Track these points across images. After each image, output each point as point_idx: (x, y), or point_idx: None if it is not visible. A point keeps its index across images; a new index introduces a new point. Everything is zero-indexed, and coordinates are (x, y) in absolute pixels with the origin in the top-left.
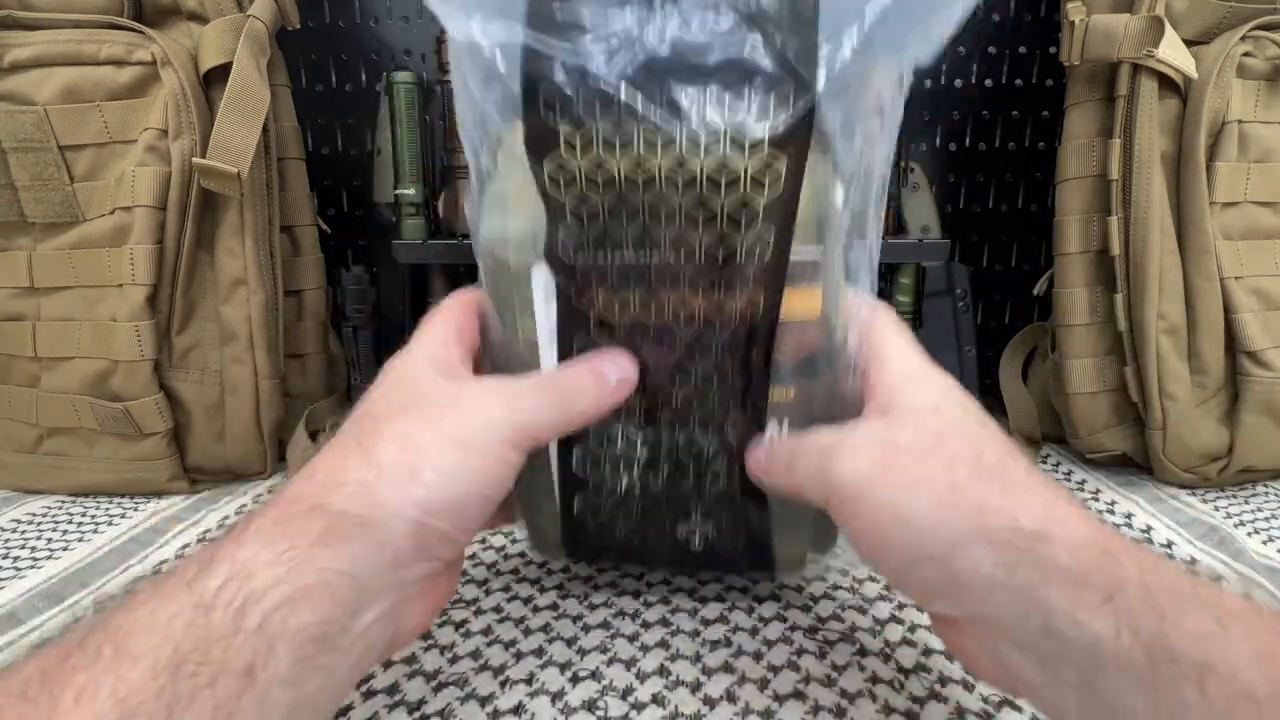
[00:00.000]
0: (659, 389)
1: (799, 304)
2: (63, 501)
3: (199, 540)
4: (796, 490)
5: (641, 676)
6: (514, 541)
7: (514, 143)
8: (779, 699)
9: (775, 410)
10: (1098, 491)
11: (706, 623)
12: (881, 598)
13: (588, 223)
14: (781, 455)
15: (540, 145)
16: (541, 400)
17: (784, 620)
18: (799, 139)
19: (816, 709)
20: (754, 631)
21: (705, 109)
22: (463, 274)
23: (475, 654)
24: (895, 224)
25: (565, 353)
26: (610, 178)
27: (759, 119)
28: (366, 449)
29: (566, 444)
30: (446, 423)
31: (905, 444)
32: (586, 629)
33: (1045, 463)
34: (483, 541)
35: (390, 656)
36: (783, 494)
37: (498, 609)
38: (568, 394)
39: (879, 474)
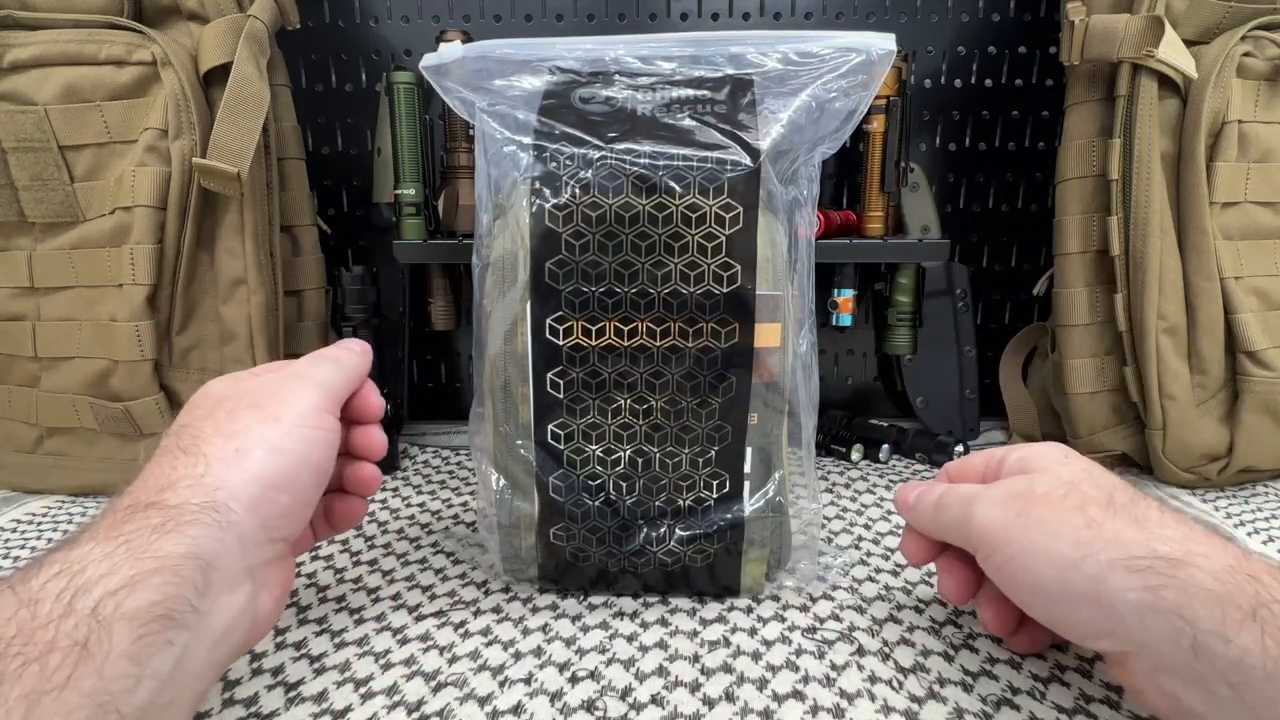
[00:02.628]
0: (637, 408)
1: (764, 336)
2: (63, 501)
3: None
4: (941, 534)
5: (640, 677)
6: None
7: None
8: (778, 699)
9: (747, 433)
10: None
11: (705, 623)
12: (880, 598)
13: (580, 253)
14: (929, 501)
15: (541, 188)
16: (323, 366)
17: (782, 620)
18: (750, 189)
19: (815, 709)
20: (752, 632)
21: (679, 164)
22: (462, 273)
23: (474, 654)
24: (895, 224)
25: (539, 378)
26: (603, 214)
27: (720, 173)
28: (189, 450)
29: (546, 470)
30: (259, 408)
31: (1041, 493)
32: (585, 629)
33: None
34: (481, 546)
35: (251, 648)
36: (930, 535)
37: (497, 609)
38: (342, 361)
39: (1014, 519)
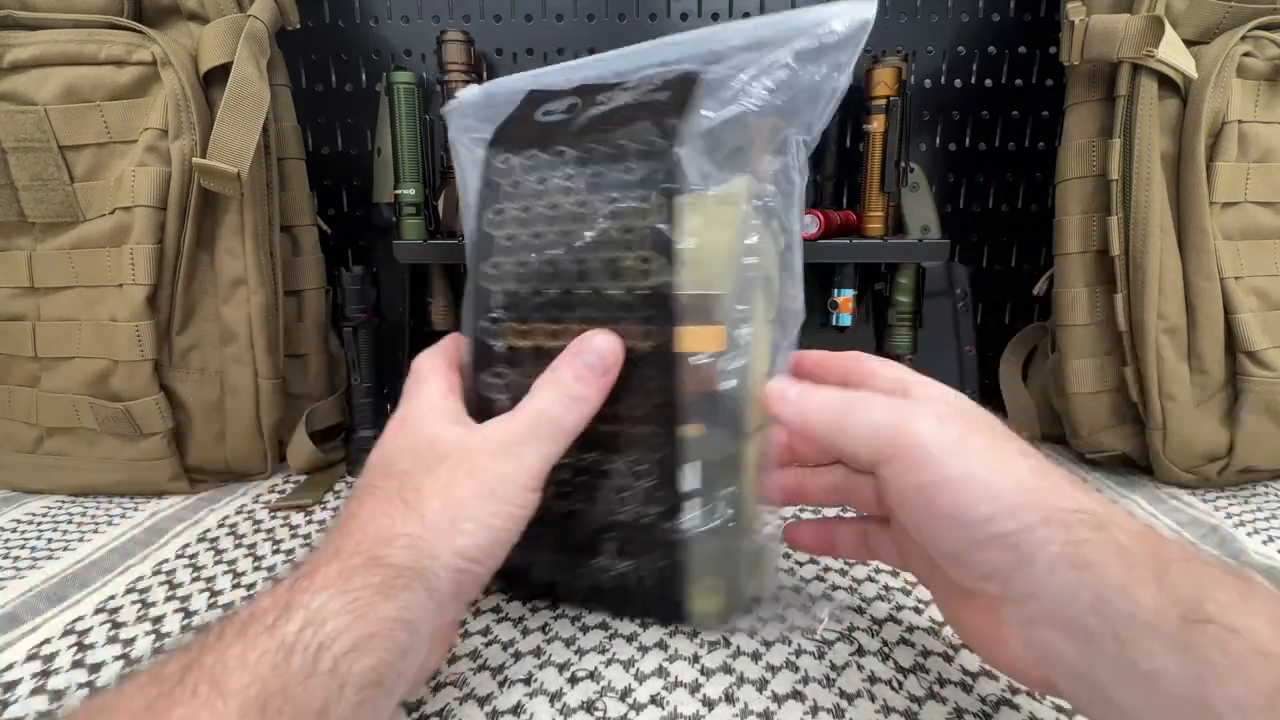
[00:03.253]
0: None
1: (694, 340)
2: (63, 501)
3: (199, 540)
4: (836, 438)
5: (640, 677)
6: None
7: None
8: (777, 699)
9: (696, 445)
10: (1098, 491)
11: None
12: (880, 598)
13: (511, 254)
14: (824, 399)
15: (486, 194)
16: (540, 438)
17: (782, 620)
18: (669, 176)
19: (815, 709)
20: (752, 632)
21: (603, 164)
22: (462, 273)
23: (474, 654)
24: (895, 224)
25: (477, 380)
26: (531, 216)
27: (638, 168)
28: (410, 504)
29: None
30: (477, 476)
31: (981, 420)
32: (585, 629)
33: None
34: None
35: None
36: (813, 438)
37: (496, 609)
38: (558, 421)
39: (959, 443)
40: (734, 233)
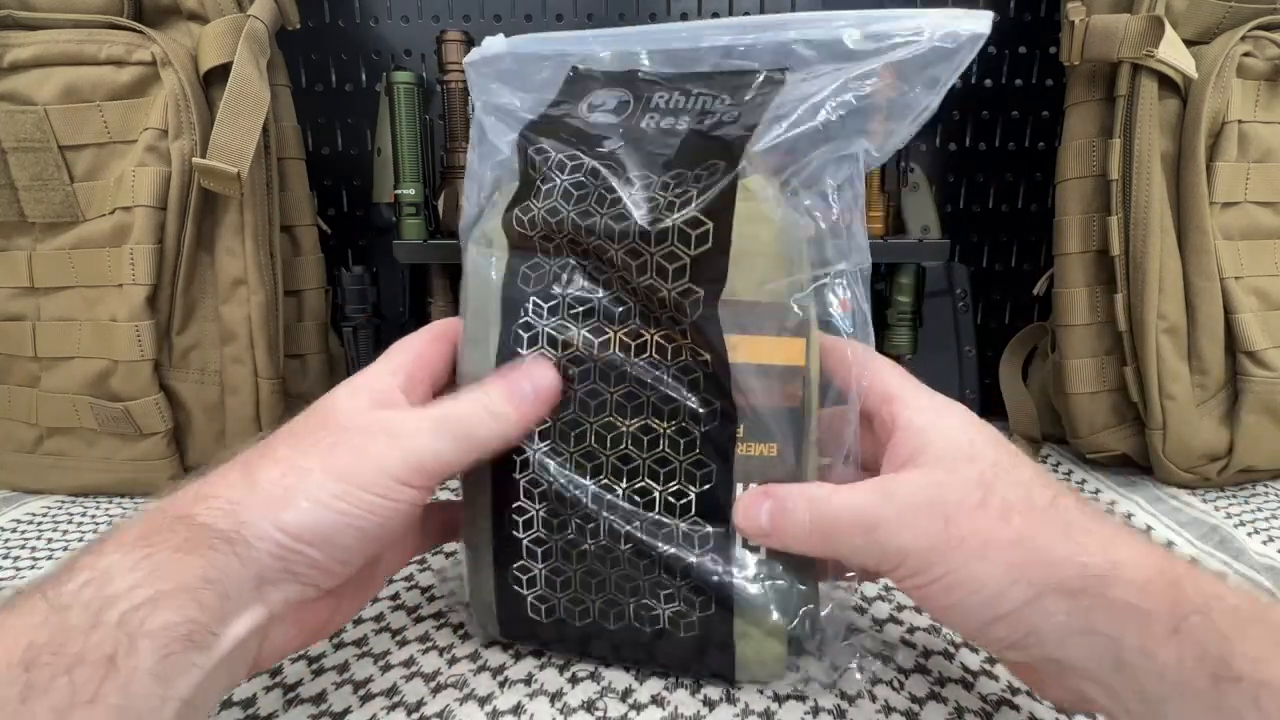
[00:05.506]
0: (605, 433)
1: (773, 351)
2: (63, 501)
3: None
4: (829, 555)
5: (641, 677)
6: None
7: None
8: (778, 699)
9: (755, 465)
10: (1098, 491)
11: None
12: (880, 598)
13: (552, 256)
14: (799, 521)
15: (519, 196)
16: (439, 435)
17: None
18: (722, 206)
19: (816, 709)
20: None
21: (649, 178)
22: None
23: (474, 655)
24: (895, 224)
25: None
26: (562, 224)
27: (691, 189)
28: (250, 469)
29: (502, 503)
30: (336, 453)
31: (956, 502)
32: None
33: (1045, 462)
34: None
35: (251, 674)
36: (805, 553)
37: None
38: (470, 427)
39: (940, 544)
40: (781, 234)
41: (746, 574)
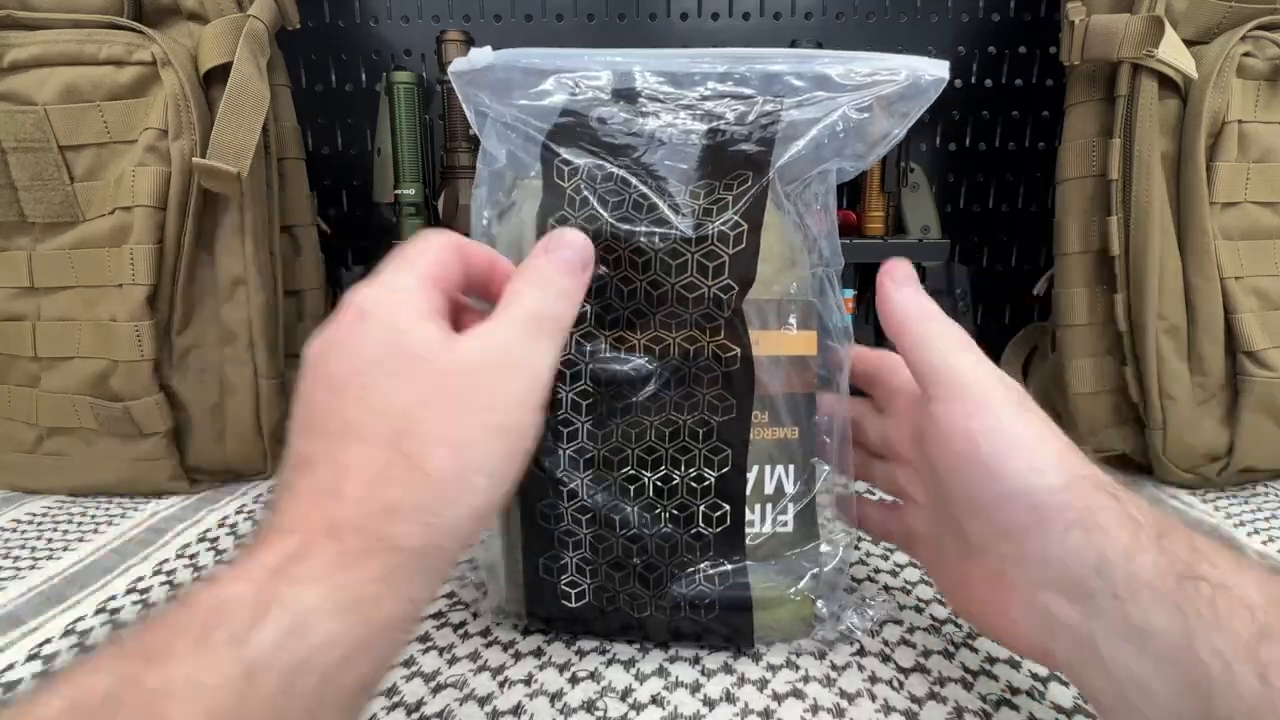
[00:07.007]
0: (631, 425)
1: (791, 343)
2: (63, 501)
3: (199, 540)
4: (912, 354)
5: (640, 677)
6: None
7: (530, 185)
8: (778, 699)
9: (779, 448)
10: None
11: None
12: (881, 598)
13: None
14: (920, 312)
15: (550, 201)
16: (539, 339)
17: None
18: (756, 211)
19: (815, 708)
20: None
21: (679, 187)
22: None
23: (474, 655)
24: (895, 224)
25: None
26: (598, 231)
27: (725, 196)
28: (411, 457)
29: (528, 492)
30: (483, 403)
31: (1021, 395)
32: None
33: None
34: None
35: None
36: (896, 335)
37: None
38: (558, 319)
39: (1020, 405)
40: (783, 238)
41: (759, 542)
